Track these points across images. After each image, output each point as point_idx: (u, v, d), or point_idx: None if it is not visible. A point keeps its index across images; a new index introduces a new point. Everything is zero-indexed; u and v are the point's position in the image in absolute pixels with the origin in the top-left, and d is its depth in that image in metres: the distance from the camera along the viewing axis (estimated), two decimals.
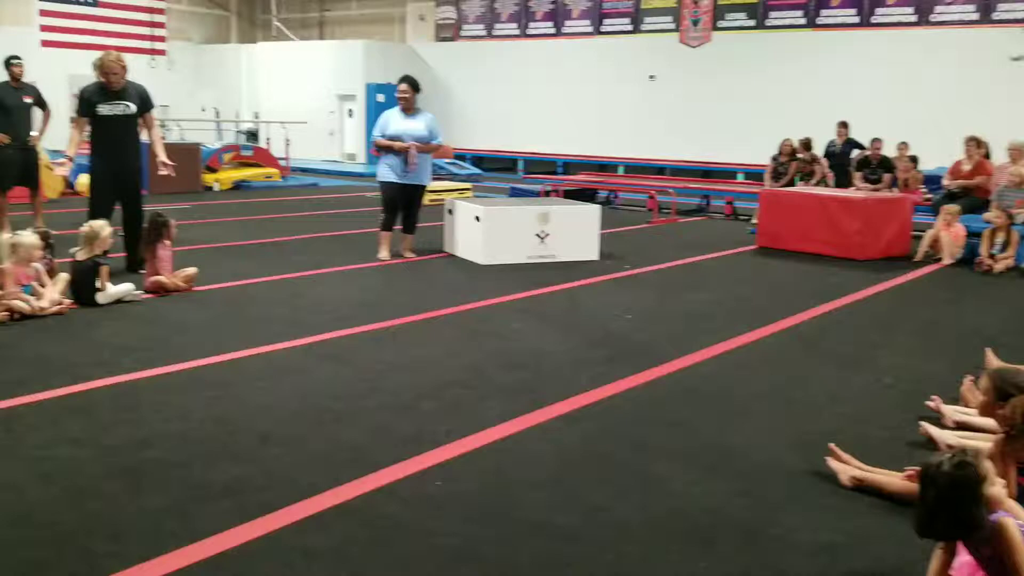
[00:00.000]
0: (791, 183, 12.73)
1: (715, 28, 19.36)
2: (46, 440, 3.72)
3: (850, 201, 9.48)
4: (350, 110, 23.45)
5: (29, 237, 6.00)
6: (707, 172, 18.68)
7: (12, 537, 2.90)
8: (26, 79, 9.50)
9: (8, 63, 9.31)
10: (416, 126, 8.33)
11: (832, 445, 3.61)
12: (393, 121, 8.37)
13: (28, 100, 9.26)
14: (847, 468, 3.53)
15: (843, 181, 12.72)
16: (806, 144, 13.13)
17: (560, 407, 4.35)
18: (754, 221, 10.74)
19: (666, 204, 12.99)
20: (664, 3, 19.98)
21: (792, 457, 3.80)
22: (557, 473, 3.57)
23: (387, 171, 8.41)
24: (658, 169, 19.51)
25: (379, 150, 8.45)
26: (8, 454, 3.55)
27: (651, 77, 20.13)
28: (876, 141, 12.45)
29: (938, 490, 2.43)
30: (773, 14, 18.67)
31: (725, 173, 18.41)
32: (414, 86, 8.43)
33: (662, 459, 3.75)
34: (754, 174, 17.12)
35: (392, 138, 8.28)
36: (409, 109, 8.41)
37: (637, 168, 19.64)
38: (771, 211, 9.93)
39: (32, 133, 9.37)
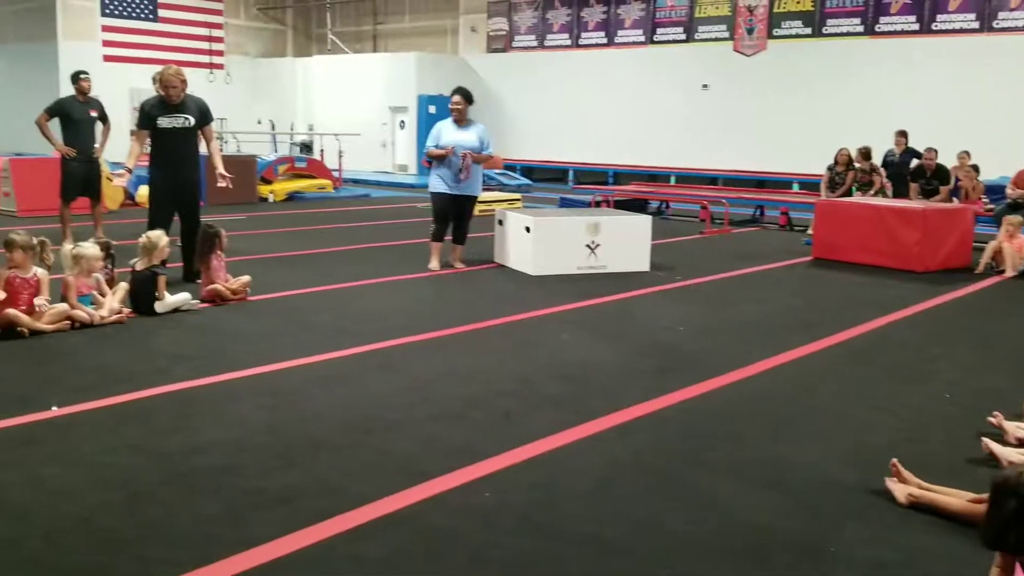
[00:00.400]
0: (848, 193, 12.52)
1: (770, 36, 19.17)
2: (105, 447, 3.80)
3: (909, 211, 9.28)
4: (402, 121, 23.69)
5: (91, 249, 6.15)
6: (761, 182, 18.49)
7: (71, 543, 2.96)
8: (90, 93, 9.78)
9: (76, 77, 9.58)
10: (468, 137, 8.37)
11: (895, 461, 3.52)
12: (445, 132, 8.43)
13: (93, 114, 9.54)
14: (905, 487, 3.44)
15: (902, 191, 12.46)
16: (865, 153, 12.83)
17: (611, 419, 4.32)
18: (810, 232, 10.58)
19: (719, 215, 12.87)
20: (718, 12, 19.84)
21: (847, 473, 3.72)
22: (607, 486, 3.54)
23: (438, 182, 8.46)
24: (711, 179, 19.36)
25: (431, 161, 8.51)
26: (68, 460, 3.63)
27: (704, 86, 20.00)
28: (929, 151, 12.15)
29: (1020, 501, 2.36)
30: (830, 22, 18.42)
31: (780, 183, 18.18)
32: (467, 97, 8.47)
33: (714, 473, 3.70)
34: (809, 184, 16.87)
35: (442, 154, 8.33)
36: (461, 120, 8.46)
37: (689, 178, 19.51)
38: (827, 222, 9.77)
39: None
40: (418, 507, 3.30)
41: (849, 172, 12.79)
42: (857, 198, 11.42)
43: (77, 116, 9.39)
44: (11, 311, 5.53)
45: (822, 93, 18.23)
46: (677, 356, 5.59)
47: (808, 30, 18.71)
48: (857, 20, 18.10)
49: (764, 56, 19.28)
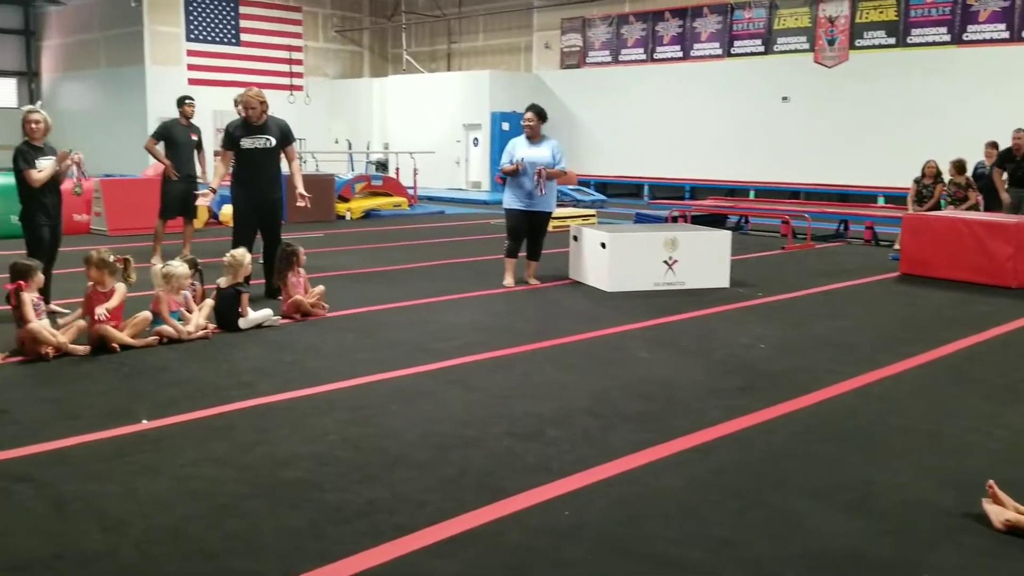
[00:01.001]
0: (936, 207, 12.12)
1: (852, 47, 18.77)
2: (192, 459, 3.89)
3: (1001, 225, 8.94)
4: (475, 139, 23.89)
5: (181, 267, 6.33)
6: (844, 196, 18.08)
7: (162, 552, 3.03)
8: (171, 114, 10.16)
9: (182, 102, 9.96)
10: (541, 153, 8.38)
11: (991, 483, 3.38)
12: (519, 148, 8.45)
13: (194, 137, 9.93)
14: (1002, 511, 3.29)
15: (993, 205, 11.97)
16: (959, 167, 12.17)
17: (691, 439, 4.25)
18: (896, 247, 10.29)
19: (801, 229, 12.61)
20: (798, 23, 19.52)
21: (940, 495, 3.58)
22: (688, 506, 3.48)
23: (512, 198, 8.49)
24: (792, 193, 19.02)
25: (504, 178, 8.54)
26: (158, 472, 3.73)
27: (784, 99, 19.67)
28: (1019, 131, 11.39)
29: None
30: (915, 31, 17.95)
31: (864, 197, 17.76)
32: (540, 114, 8.48)
33: (800, 495, 3.60)
34: (895, 197, 16.44)
35: (514, 169, 8.36)
36: (534, 136, 8.47)
37: (769, 192, 19.20)
38: (915, 236, 9.48)
39: (197, 173, 9.97)
40: (496, 524, 3.29)
41: (937, 185, 12.38)
42: (947, 212, 11.05)
43: (180, 139, 9.79)
44: (103, 327, 5.73)
45: (907, 104, 17.75)
46: (759, 374, 5.47)
47: (892, 40, 18.26)
48: (943, 29, 17.60)
49: (846, 67, 18.88)
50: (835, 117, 18.86)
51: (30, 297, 5.64)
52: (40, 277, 5.87)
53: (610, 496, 3.56)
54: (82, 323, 5.83)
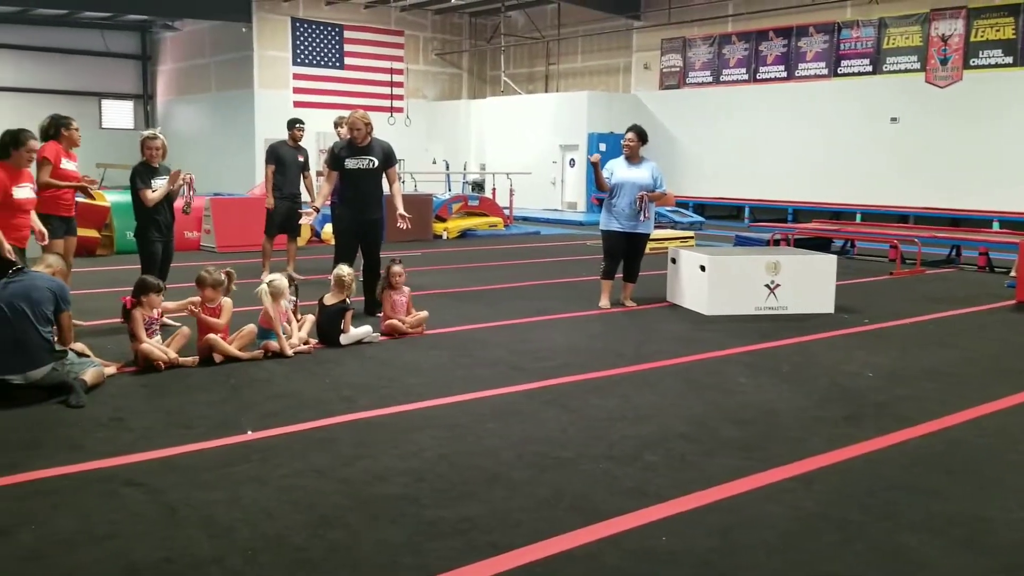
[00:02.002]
0: None
1: (966, 67, 18.10)
2: (295, 470, 3.99)
3: None
4: (572, 159, 23.94)
5: (283, 280, 6.51)
6: (956, 220, 17.37)
7: (266, 560, 3.12)
8: (275, 136, 10.51)
9: (292, 125, 10.32)
10: (641, 174, 8.34)
11: None
12: (617, 169, 8.42)
13: (301, 159, 10.26)
14: None
15: None
16: None
17: (793, 468, 4.14)
18: (1013, 274, 9.84)
19: (910, 254, 12.18)
20: (908, 43, 18.94)
21: None
22: (790, 537, 3.38)
23: (610, 219, 8.46)
24: (900, 217, 18.42)
25: (601, 199, 8.51)
26: (263, 482, 3.84)
27: (893, 119, 19.08)
28: None
29: None
30: None
31: (978, 221, 17.04)
32: (641, 135, 8.44)
33: (908, 528, 3.46)
34: (1012, 222, 15.74)
35: (615, 186, 8.33)
36: (634, 157, 8.43)
37: (876, 216, 18.63)
38: None
39: (304, 199, 10.29)
40: (593, 546, 3.27)
41: None
42: None
43: (287, 160, 10.15)
44: (211, 336, 5.95)
45: None
46: (865, 403, 5.30)
47: (1009, 59, 17.54)
48: None
49: (959, 87, 18.22)
50: (947, 139, 18.20)
51: (141, 315, 5.86)
52: (158, 298, 6.02)
53: (709, 523, 3.50)
54: (187, 331, 6.07)
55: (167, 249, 7.38)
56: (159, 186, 7.18)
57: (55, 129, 7.17)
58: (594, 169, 8.29)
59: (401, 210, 7.89)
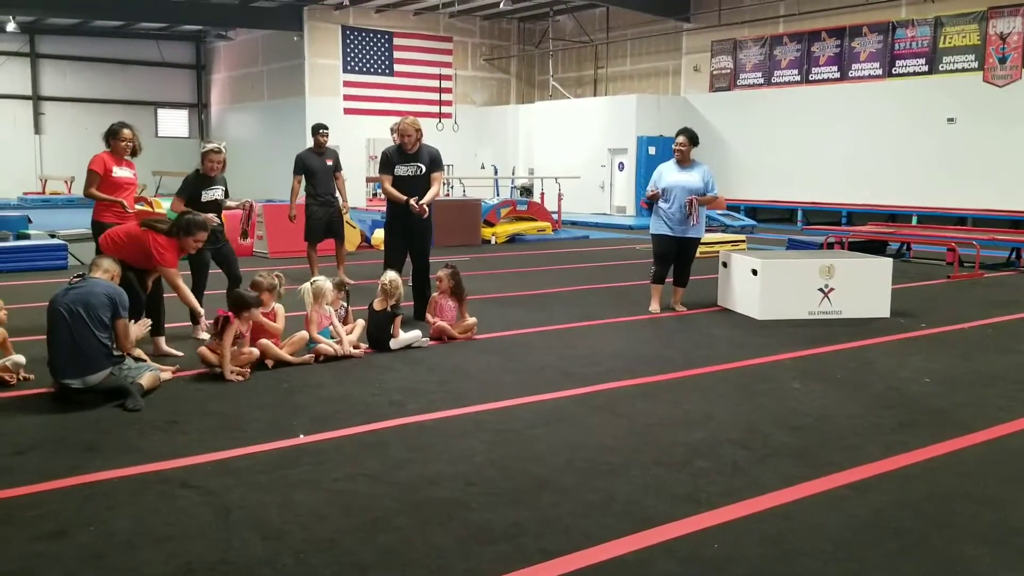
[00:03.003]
0: None
1: None
2: (346, 474, 4.02)
3: None
4: (620, 163, 23.84)
5: (326, 283, 6.56)
6: (1017, 222, 16.94)
7: (318, 563, 3.15)
8: (330, 143, 10.61)
9: (316, 131, 10.41)
10: (691, 178, 8.26)
11: None
12: (667, 173, 8.36)
13: (329, 163, 10.34)
14: None
15: None
16: None
17: (848, 475, 4.06)
18: None
19: (969, 257, 11.90)
20: (965, 41, 18.54)
21: None
22: (846, 546, 3.32)
23: (659, 223, 8.40)
24: (958, 219, 18.01)
25: (649, 203, 8.46)
26: (315, 485, 3.88)
27: (950, 120, 18.68)
28: None
29: None
30: None
31: None
32: (692, 139, 8.37)
33: (968, 539, 3.37)
34: None
35: (665, 190, 8.27)
36: (684, 161, 8.36)
37: (933, 218, 18.25)
38: None
39: (338, 199, 10.38)
40: (644, 553, 3.24)
41: None
42: None
43: (315, 167, 10.23)
44: (264, 341, 6.02)
45: None
46: (922, 410, 5.19)
47: None
48: None
49: (1019, 86, 17.77)
50: (1006, 139, 17.77)
51: (235, 329, 5.80)
52: (256, 312, 5.99)
53: (762, 531, 3.45)
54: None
55: (221, 254, 7.47)
56: (211, 196, 7.29)
57: (105, 139, 7.29)
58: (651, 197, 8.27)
59: (424, 201, 7.70)
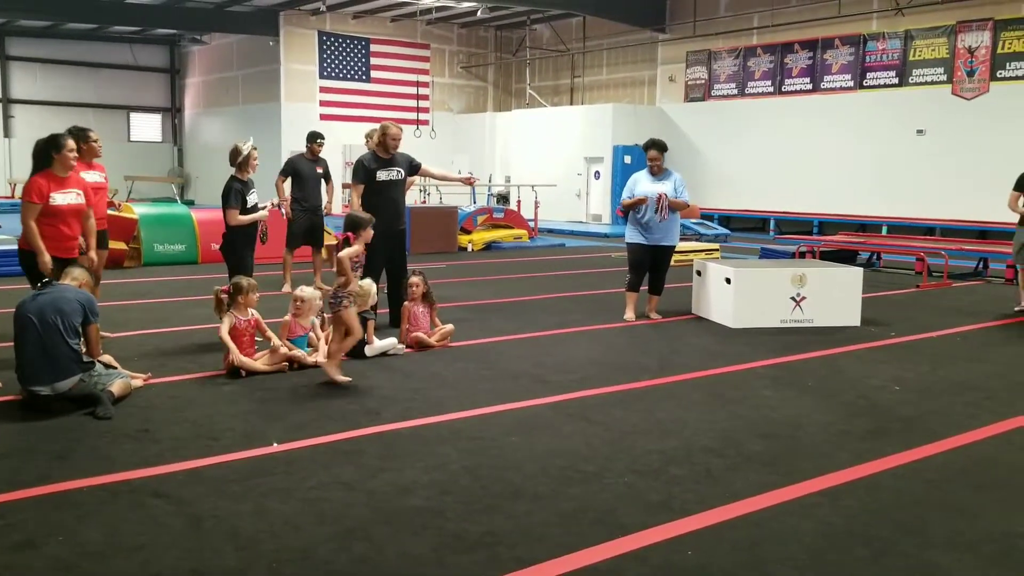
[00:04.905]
0: None
1: (993, 79, 17.96)
2: (321, 482, 4.01)
3: None
4: (596, 172, 23.95)
5: (310, 292, 6.57)
6: (984, 232, 17.20)
7: (291, 572, 3.13)
8: (301, 148, 10.58)
9: (313, 138, 10.38)
10: (664, 188, 8.32)
11: None
12: (640, 183, 8.42)
13: (319, 171, 10.32)
14: None
15: None
16: None
17: (819, 482, 4.10)
18: None
19: (937, 267, 12.06)
20: (935, 54, 18.82)
21: None
22: (818, 553, 3.35)
23: (634, 232, 8.45)
24: (927, 229, 18.26)
25: (625, 212, 8.52)
26: (288, 494, 3.86)
27: (919, 131, 18.95)
28: None
29: None
30: None
31: (1006, 234, 16.80)
32: (662, 149, 8.44)
33: (938, 546, 3.42)
34: None
35: (636, 203, 8.33)
36: (658, 172, 8.43)
37: (902, 228, 18.49)
38: None
39: (322, 209, 10.36)
40: (618, 561, 3.26)
41: None
42: None
43: (306, 174, 10.20)
44: (241, 357, 5.97)
45: None
46: (891, 417, 5.25)
47: None
48: None
49: (986, 99, 18.06)
50: (974, 151, 18.04)
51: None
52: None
53: (735, 538, 3.47)
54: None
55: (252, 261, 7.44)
56: (253, 202, 7.25)
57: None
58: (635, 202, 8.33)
59: (456, 175, 8.84)
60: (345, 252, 5.87)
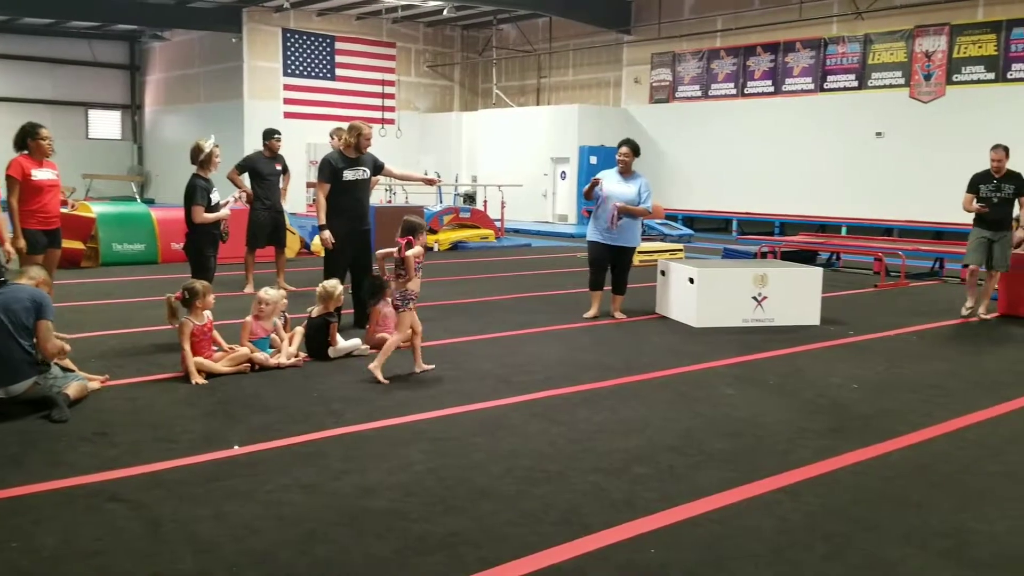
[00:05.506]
0: None
1: (949, 82, 18.29)
2: (282, 485, 3.98)
3: None
4: (563, 172, 24.01)
5: (274, 293, 6.50)
6: (940, 233, 17.49)
7: (253, 575, 3.10)
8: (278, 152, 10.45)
9: (269, 135, 10.23)
10: (629, 190, 8.36)
11: None
12: (606, 182, 8.46)
13: (278, 167, 10.17)
14: None
15: None
16: None
17: (780, 479, 4.15)
18: (994, 286, 9.90)
19: (894, 267, 12.26)
20: (893, 58, 19.12)
21: None
22: (778, 549, 3.39)
23: (595, 231, 8.51)
24: (885, 230, 18.54)
25: (590, 211, 8.58)
26: (249, 497, 3.82)
27: (878, 134, 19.25)
28: (995, 150, 9.38)
29: None
30: (1016, 66, 17.38)
31: (960, 235, 17.08)
32: (635, 149, 8.48)
33: (894, 541, 3.48)
34: None
35: (601, 199, 8.36)
36: (627, 172, 8.47)
37: (861, 229, 18.76)
38: (1014, 276, 9.12)
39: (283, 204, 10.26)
40: (581, 560, 3.27)
41: None
42: None
43: (265, 172, 10.02)
44: (197, 358, 5.88)
45: (1006, 140, 16.96)
46: (850, 415, 5.33)
47: (991, 75, 17.72)
48: None
49: (943, 102, 18.39)
50: (931, 153, 18.36)
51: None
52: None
53: (697, 535, 3.50)
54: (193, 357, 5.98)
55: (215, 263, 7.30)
56: (216, 201, 7.14)
57: (20, 141, 7.08)
58: (591, 185, 8.34)
59: (420, 175, 8.76)
60: (411, 252, 6.05)
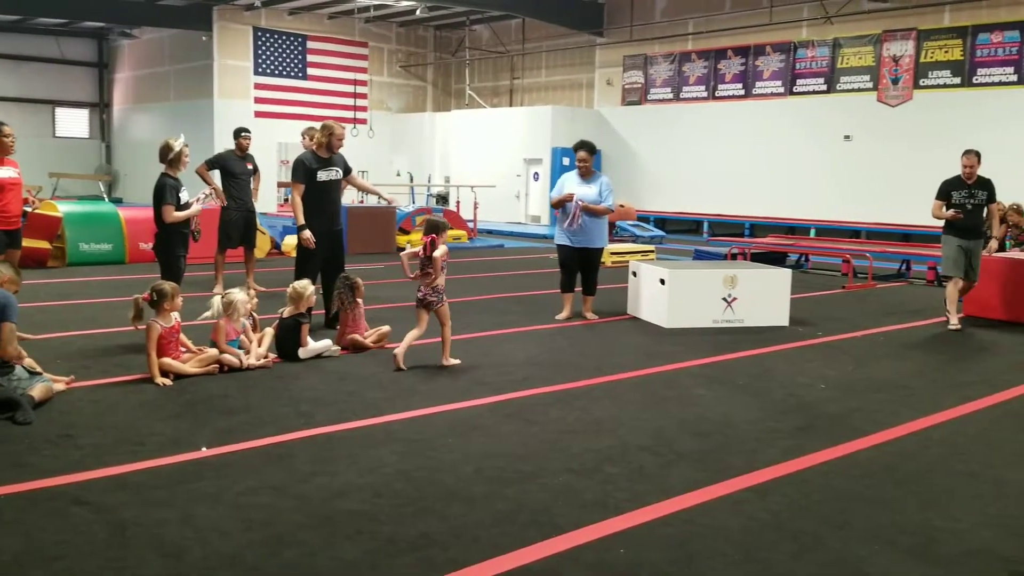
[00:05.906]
0: (1001, 248, 11.82)
1: (916, 87, 18.56)
2: (250, 487, 3.94)
3: None
4: (535, 173, 24.04)
5: (241, 295, 6.43)
6: (907, 235, 17.74)
7: None
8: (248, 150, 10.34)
9: (238, 134, 10.13)
10: (590, 191, 8.41)
11: None
12: (567, 184, 8.52)
13: (250, 167, 10.08)
14: None
15: None
16: (1019, 210, 12.20)
17: (749, 478, 4.18)
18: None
19: (862, 269, 12.40)
20: (861, 62, 19.36)
21: (1003, 543, 3.48)
22: (747, 548, 3.41)
23: (562, 234, 8.56)
24: (853, 232, 18.74)
25: (556, 208, 8.65)
26: (217, 500, 3.78)
27: (846, 137, 19.48)
28: (967, 155, 9.15)
29: None
30: (981, 71, 17.66)
31: (927, 237, 17.35)
32: (592, 151, 8.54)
33: (860, 539, 3.51)
34: None
35: (563, 199, 8.42)
36: (587, 174, 8.51)
37: (830, 231, 18.96)
38: (979, 278, 9.24)
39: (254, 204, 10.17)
40: (552, 560, 3.27)
41: (1002, 226, 12.11)
42: (1012, 253, 10.77)
43: (236, 171, 9.92)
44: (165, 359, 5.82)
45: (972, 144, 17.20)
46: (818, 415, 5.38)
47: (957, 80, 18.00)
48: (1011, 69, 17.28)
49: (910, 106, 18.64)
50: (898, 156, 18.60)
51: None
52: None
53: (667, 535, 3.52)
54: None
55: (184, 263, 7.19)
56: (185, 200, 7.02)
57: None
58: (563, 200, 8.38)
59: (385, 195, 8.67)
60: (438, 252, 6.39)
